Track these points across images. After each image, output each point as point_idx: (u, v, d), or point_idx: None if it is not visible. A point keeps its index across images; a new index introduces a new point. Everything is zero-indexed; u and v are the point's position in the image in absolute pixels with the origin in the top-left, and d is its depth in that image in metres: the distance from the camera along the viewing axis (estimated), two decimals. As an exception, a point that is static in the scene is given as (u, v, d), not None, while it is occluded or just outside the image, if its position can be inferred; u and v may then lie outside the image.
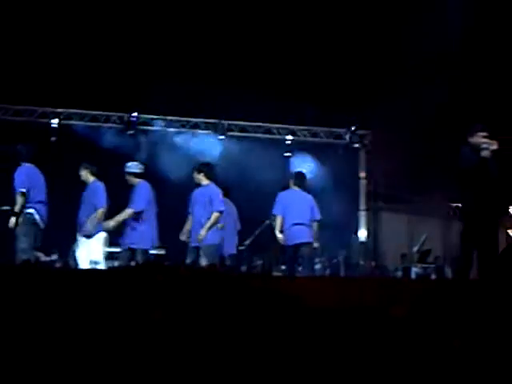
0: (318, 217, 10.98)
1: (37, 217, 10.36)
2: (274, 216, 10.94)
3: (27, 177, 10.45)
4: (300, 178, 11.24)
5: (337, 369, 3.74)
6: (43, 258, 12.33)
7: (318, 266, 13.97)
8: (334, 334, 3.95)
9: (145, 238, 10.35)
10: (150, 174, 13.63)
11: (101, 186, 10.94)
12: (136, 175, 10.67)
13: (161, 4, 13.75)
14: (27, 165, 10.66)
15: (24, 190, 10.18)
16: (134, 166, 10.82)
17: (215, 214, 10.04)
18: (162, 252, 13.48)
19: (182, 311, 3.94)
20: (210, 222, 10.00)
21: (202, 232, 9.92)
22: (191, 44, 14.26)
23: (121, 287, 4.14)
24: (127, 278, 4.29)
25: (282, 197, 10.96)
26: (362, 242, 16.37)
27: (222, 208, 10.24)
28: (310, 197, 11.07)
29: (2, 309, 3.90)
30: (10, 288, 4.15)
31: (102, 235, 10.69)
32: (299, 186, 11.04)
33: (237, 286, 4.42)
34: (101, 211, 10.59)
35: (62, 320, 3.89)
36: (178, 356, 3.75)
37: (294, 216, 10.73)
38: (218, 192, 10.34)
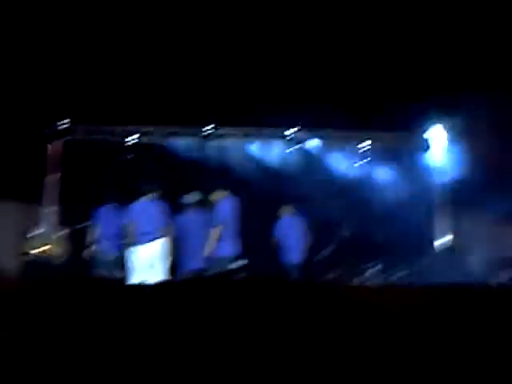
0: None
1: None
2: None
3: None
4: None
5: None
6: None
7: (397, 276, 13.63)
8: (411, 339, 3.96)
9: None
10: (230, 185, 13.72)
11: None
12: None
13: (236, 21, 13.69)
14: None
15: None
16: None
17: None
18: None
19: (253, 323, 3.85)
20: None
21: None
22: (263, 52, 14.15)
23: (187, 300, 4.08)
24: (195, 289, 4.21)
25: None
26: (441, 249, 15.89)
27: None
28: None
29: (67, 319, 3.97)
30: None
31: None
32: None
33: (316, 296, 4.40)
34: None
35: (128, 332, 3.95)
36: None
37: None
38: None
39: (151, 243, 10.77)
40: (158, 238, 10.71)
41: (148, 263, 10.66)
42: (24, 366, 3.79)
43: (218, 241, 10.52)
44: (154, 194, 11.09)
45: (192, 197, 11.86)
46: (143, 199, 10.66)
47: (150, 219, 10.74)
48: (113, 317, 4.11)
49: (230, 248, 11.11)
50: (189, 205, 11.89)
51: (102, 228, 12.16)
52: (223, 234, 10.82)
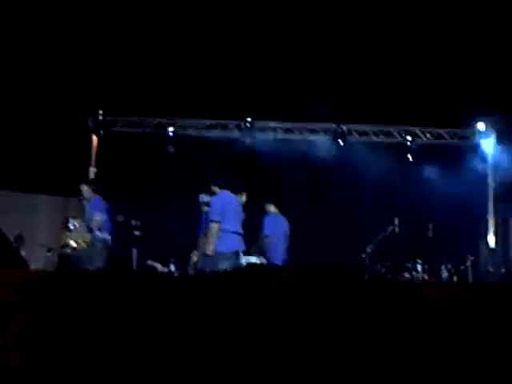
0: None
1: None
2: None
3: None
4: None
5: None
6: (161, 268, 12.27)
7: (444, 274, 13.30)
8: (460, 340, 3.84)
9: None
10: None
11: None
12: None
13: (277, 15, 13.50)
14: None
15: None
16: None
17: None
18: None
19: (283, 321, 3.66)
20: None
21: None
22: (299, 45, 13.96)
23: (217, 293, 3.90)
24: (224, 283, 4.02)
25: None
26: (491, 249, 15.45)
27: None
28: None
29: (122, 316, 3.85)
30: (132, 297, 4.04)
31: None
32: None
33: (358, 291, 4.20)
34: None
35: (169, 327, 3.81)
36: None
37: None
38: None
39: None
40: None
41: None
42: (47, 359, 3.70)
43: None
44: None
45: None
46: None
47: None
48: (150, 311, 3.95)
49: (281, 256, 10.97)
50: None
51: None
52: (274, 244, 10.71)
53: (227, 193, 10.12)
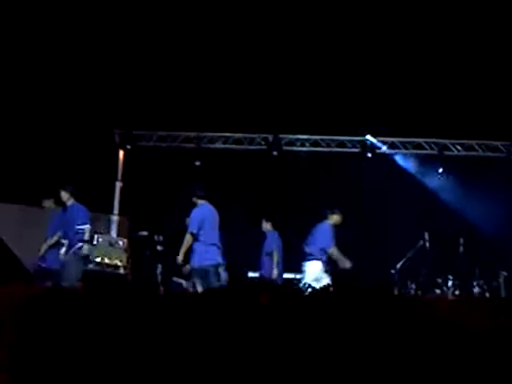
0: None
1: None
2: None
3: None
4: None
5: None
6: (185, 284, 12.13)
7: (476, 290, 13.00)
8: (492, 356, 3.75)
9: None
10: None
11: None
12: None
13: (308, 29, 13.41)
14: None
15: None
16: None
17: None
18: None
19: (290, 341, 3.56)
20: None
21: None
22: (331, 60, 13.84)
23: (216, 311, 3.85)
24: (223, 299, 3.96)
25: None
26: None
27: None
28: None
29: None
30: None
31: None
32: None
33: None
34: None
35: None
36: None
37: None
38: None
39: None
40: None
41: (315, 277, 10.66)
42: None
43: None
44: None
45: None
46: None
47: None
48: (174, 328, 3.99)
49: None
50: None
51: None
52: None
53: (207, 205, 10.27)
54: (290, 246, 13.80)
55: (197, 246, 10.02)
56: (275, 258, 11.47)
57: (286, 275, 13.07)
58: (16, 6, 12.41)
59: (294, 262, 13.29)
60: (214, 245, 10.07)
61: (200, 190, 10.48)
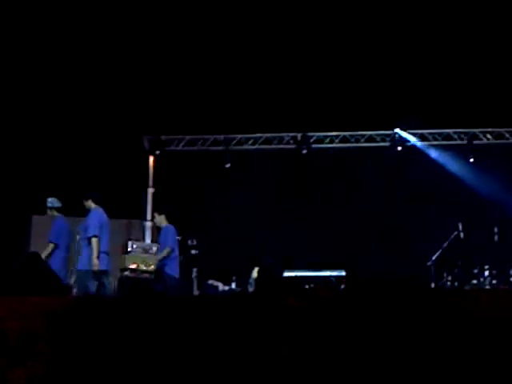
0: None
1: None
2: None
3: None
4: None
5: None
6: (222, 287, 12.18)
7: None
8: None
9: None
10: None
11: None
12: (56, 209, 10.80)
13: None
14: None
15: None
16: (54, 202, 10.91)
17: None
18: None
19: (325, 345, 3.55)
20: None
21: None
22: (356, 56, 13.79)
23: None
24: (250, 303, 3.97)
25: None
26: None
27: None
28: None
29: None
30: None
31: None
32: None
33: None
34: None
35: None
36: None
37: None
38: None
39: None
40: None
41: None
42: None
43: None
44: None
45: None
46: None
47: None
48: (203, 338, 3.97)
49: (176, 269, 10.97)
50: None
51: None
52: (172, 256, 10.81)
53: (102, 210, 10.38)
54: (320, 243, 13.83)
55: (87, 250, 10.10)
56: (165, 253, 11.04)
57: (319, 273, 13.02)
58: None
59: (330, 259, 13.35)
60: (105, 252, 10.25)
61: (96, 194, 10.62)
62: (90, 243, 10.03)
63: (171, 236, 11.01)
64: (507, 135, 15.49)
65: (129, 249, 11.39)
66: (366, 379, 3.63)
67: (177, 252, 10.96)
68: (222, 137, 15.65)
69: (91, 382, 3.68)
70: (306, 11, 13.11)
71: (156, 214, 11.43)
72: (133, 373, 3.75)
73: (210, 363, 3.78)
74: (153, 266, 11.03)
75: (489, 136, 15.49)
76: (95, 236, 10.02)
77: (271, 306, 4.10)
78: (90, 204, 10.53)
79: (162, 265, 10.72)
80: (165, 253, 10.69)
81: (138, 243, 11.82)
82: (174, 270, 10.77)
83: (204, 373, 3.76)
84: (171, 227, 11.13)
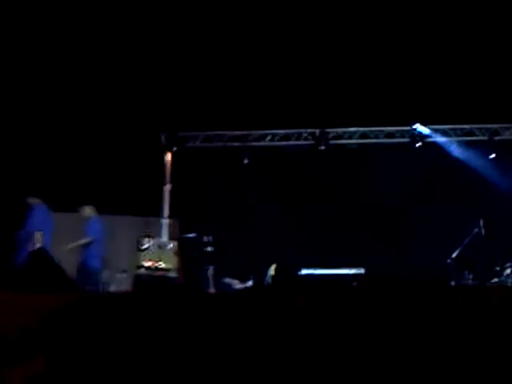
0: None
1: None
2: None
3: None
4: None
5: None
6: (238, 284, 12.08)
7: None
8: None
9: None
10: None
11: None
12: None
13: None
14: None
15: None
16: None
17: None
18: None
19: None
20: None
21: None
22: (373, 52, 13.67)
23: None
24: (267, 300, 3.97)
25: None
26: None
27: None
28: None
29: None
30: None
31: None
32: None
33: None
34: None
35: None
36: None
37: None
38: None
39: None
40: None
41: None
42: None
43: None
44: None
45: None
46: None
47: None
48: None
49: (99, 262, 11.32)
50: None
51: None
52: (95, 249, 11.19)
53: (45, 206, 10.44)
54: (339, 240, 13.70)
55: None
56: (83, 242, 11.07)
57: (338, 271, 12.91)
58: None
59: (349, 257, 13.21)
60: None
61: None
62: None
63: (94, 227, 11.34)
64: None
65: (144, 246, 11.32)
66: (372, 376, 3.55)
67: (101, 244, 11.32)
68: (239, 133, 15.52)
69: (90, 380, 3.60)
70: (321, 7, 13.02)
71: (85, 206, 11.59)
72: (133, 371, 3.68)
73: (214, 359, 3.79)
74: (167, 264, 10.98)
75: (511, 131, 15.27)
76: None
77: (280, 303, 4.09)
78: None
79: (85, 256, 10.97)
80: (83, 241, 11.02)
81: (154, 240, 11.75)
82: (96, 261, 11.19)
83: (208, 370, 3.76)
84: (96, 219, 11.47)
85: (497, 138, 15.16)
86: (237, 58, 13.66)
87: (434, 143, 15.29)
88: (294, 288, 5.38)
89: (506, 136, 15.25)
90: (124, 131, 14.03)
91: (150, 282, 10.62)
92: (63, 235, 11.41)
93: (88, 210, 11.51)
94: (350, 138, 15.61)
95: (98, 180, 13.37)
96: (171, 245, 11.75)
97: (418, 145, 15.15)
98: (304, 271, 12.74)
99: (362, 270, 12.85)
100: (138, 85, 13.70)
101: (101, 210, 11.79)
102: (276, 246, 13.03)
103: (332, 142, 15.45)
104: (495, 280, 12.65)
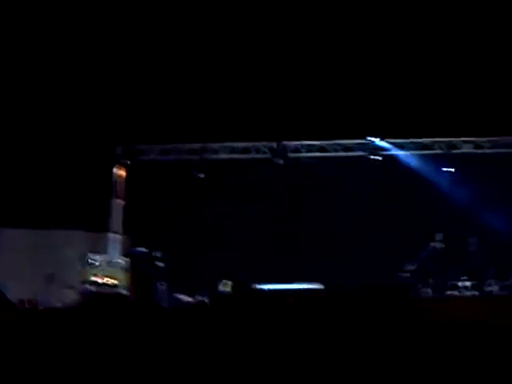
0: None
1: None
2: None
3: None
4: None
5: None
6: (188, 299, 11.91)
7: (491, 288, 12.68)
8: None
9: None
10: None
11: None
12: None
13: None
14: None
15: None
16: None
17: None
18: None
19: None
20: None
21: None
22: (335, 65, 13.62)
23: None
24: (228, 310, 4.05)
25: None
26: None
27: None
28: None
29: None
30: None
31: None
32: None
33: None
34: None
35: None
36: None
37: None
38: None
39: None
40: None
41: None
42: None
43: None
44: None
45: None
46: None
47: None
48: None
49: None
50: None
51: None
52: None
53: None
54: (295, 255, 13.60)
55: None
56: None
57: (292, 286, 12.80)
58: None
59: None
60: None
61: None
62: None
63: None
64: (486, 145, 15.26)
65: (89, 261, 11.10)
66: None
67: None
68: (197, 146, 15.30)
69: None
70: (278, 19, 12.96)
71: None
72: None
73: (167, 374, 3.82)
74: (116, 280, 10.77)
75: (467, 145, 15.27)
76: None
77: (240, 318, 4.25)
78: None
79: None
80: None
81: (102, 256, 11.54)
82: None
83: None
84: None
85: (454, 151, 15.15)
86: (195, 69, 13.55)
87: (393, 157, 15.25)
88: (253, 302, 5.51)
89: (464, 149, 15.25)
90: (77, 143, 13.76)
91: (97, 297, 10.39)
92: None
93: None
94: (309, 151, 15.51)
95: (48, 192, 13.10)
96: (122, 261, 11.54)
97: (376, 158, 15.09)
98: (259, 286, 12.59)
99: (317, 285, 12.73)
100: (95, 96, 13.50)
101: (45, 224, 11.56)
102: (229, 261, 12.87)
103: (290, 155, 15.34)
104: (451, 292, 12.69)
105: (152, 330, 4.17)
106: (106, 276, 10.93)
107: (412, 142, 15.35)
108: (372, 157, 15.11)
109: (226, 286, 10.89)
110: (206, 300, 12.67)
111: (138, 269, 11.58)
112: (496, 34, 12.96)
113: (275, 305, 5.20)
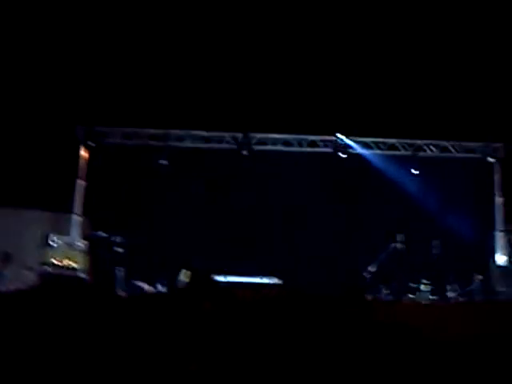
0: None
1: None
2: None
3: None
4: None
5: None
6: (147, 287, 11.68)
7: (450, 294, 12.68)
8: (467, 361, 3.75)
9: None
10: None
11: None
12: None
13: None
14: None
15: None
16: None
17: None
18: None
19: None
20: None
21: None
22: (305, 58, 13.54)
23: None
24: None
25: None
26: (501, 266, 14.66)
27: None
28: None
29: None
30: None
31: None
32: None
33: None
34: None
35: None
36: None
37: None
38: None
39: None
40: None
41: None
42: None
43: None
44: None
45: None
46: None
47: None
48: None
49: None
50: None
51: None
52: None
53: None
54: (253, 248, 13.49)
55: None
56: None
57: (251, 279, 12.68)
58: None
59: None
60: None
61: None
62: None
63: None
64: (452, 149, 15.33)
65: (50, 242, 10.80)
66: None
67: None
68: (160, 132, 15.05)
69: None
70: (250, 16, 12.85)
71: None
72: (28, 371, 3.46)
73: (120, 362, 3.72)
74: (76, 263, 10.50)
75: (433, 148, 15.32)
76: None
77: (195, 308, 4.16)
78: None
79: None
80: None
81: (62, 238, 11.23)
82: None
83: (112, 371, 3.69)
84: None
85: (420, 154, 15.17)
86: (163, 52, 13.35)
87: (358, 155, 15.20)
88: (209, 293, 5.43)
89: (430, 153, 15.28)
90: (38, 121, 13.43)
91: (56, 280, 10.12)
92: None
93: None
94: (274, 144, 15.38)
95: (10, 172, 12.76)
96: (82, 244, 11.25)
97: (340, 155, 15.03)
98: (217, 278, 12.41)
99: (275, 280, 12.63)
100: (57, 76, 13.17)
101: (6, 203, 11.21)
102: (188, 251, 12.70)
103: (255, 147, 15.18)
104: (411, 296, 12.66)
105: (108, 315, 4.11)
106: (66, 258, 10.63)
107: (378, 142, 15.35)
108: (338, 154, 15.06)
109: (185, 276, 10.67)
110: (163, 288, 12.52)
111: (96, 253, 11.30)
112: (464, 38, 12.97)
113: (229, 297, 5.17)
